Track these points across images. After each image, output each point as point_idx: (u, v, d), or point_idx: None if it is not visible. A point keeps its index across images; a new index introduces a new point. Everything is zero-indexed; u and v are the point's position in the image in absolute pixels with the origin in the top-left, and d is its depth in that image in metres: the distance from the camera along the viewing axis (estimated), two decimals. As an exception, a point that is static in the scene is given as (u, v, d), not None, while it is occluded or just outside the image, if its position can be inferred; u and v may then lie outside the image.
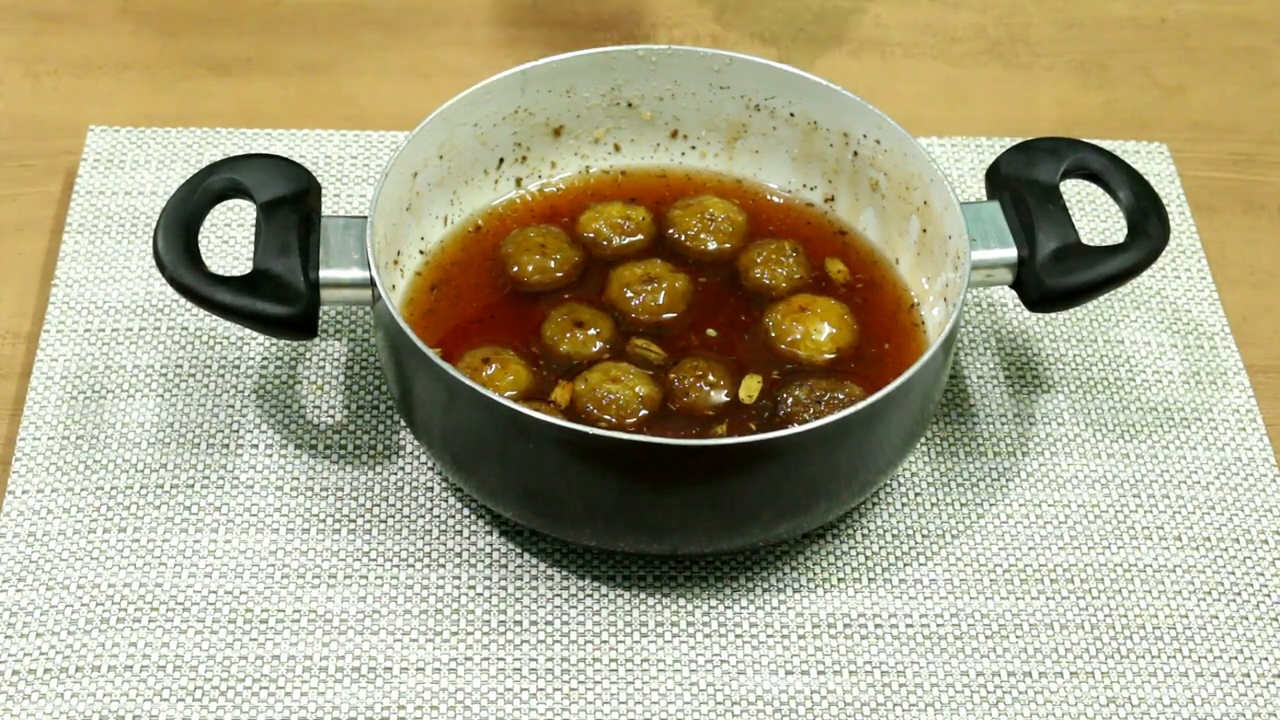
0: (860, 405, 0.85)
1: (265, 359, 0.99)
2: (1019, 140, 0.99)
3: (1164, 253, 0.95)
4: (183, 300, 0.94)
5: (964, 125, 1.15)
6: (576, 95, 1.00)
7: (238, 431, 0.96)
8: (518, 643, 0.89)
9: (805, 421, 0.89)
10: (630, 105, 1.01)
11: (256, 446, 0.95)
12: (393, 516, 0.93)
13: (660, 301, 0.95)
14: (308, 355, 0.99)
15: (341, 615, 0.89)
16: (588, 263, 0.98)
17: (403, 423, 0.96)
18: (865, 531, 0.94)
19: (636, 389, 0.90)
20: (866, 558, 0.93)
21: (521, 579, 0.91)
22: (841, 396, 0.90)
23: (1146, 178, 0.98)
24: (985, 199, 0.96)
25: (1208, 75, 1.20)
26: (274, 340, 0.99)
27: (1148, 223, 0.92)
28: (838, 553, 0.93)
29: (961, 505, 0.95)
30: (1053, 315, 1.03)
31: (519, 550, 0.92)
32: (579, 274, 0.97)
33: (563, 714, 0.86)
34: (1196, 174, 1.12)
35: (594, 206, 1.00)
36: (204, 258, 0.89)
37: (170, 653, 0.88)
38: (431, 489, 0.94)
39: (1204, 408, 0.99)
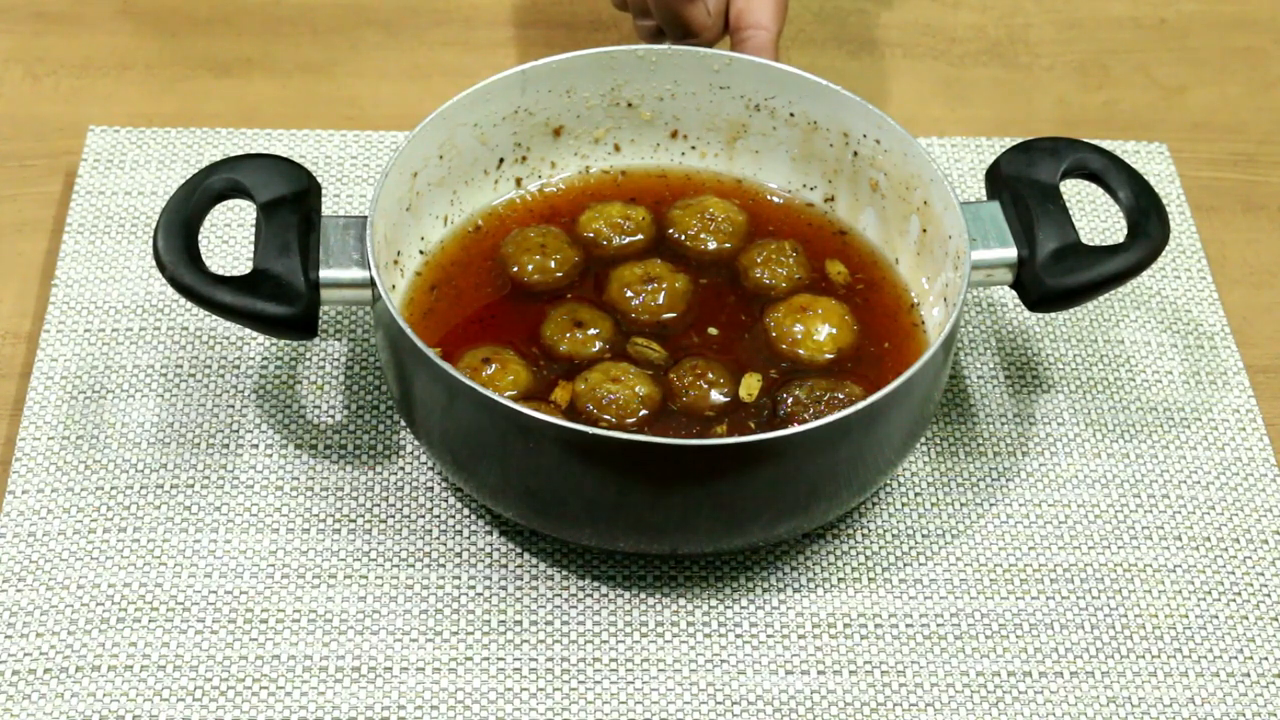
0: (860, 405, 0.85)
1: (265, 359, 0.99)
2: (1019, 140, 0.99)
3: (1164, 253, 0.95)
4: (183, 300, 0.94)
5: (964, 125, 1.15)
6: (576, 95, 1.00)
7: (238, 431, 0.96)
8: (518, 643, 0.89)
9: (805, 421, 0.89)
10: (630, 105, 1.01)
11: (256, 446, 0.95)
12: (393, 516, 0.93)
13: (660, 301, 0.95)
14: (308, 355, 0.99)
15: (341, 615, 0.89)
16: (588, 263, 0.98)
17: (403, 423, 0.96)
18: (865, 531, 0.94)
19: (636, 389, 0.90)
20: (866, 558, 0.93)
21: (521, 579, 0.91)
22: (841, 396, 0.90)
23: (1146, 178, 0.98)
24: (985, 199, 0.96)
25: (1208, 75, 1.20)
26: (274, 340, 0.99)
27: (1148, 223, 0.92)
28: (838, 553, 0.93)
29: (961, 505, 0.95)
30: (1053, 315, 1.03)
31: (519, 550, 0.92)
32: (579, 274, 0.97)
33: (563, 714, 0.86)
34: (1196, 174, 1.12)
35: (594, 206, 1.00)
36: (204, 258, 0.89)
37: (170, 653, 0.88)
38: (431, 489, 0.94)
39: (1204, 408, 0.99)
